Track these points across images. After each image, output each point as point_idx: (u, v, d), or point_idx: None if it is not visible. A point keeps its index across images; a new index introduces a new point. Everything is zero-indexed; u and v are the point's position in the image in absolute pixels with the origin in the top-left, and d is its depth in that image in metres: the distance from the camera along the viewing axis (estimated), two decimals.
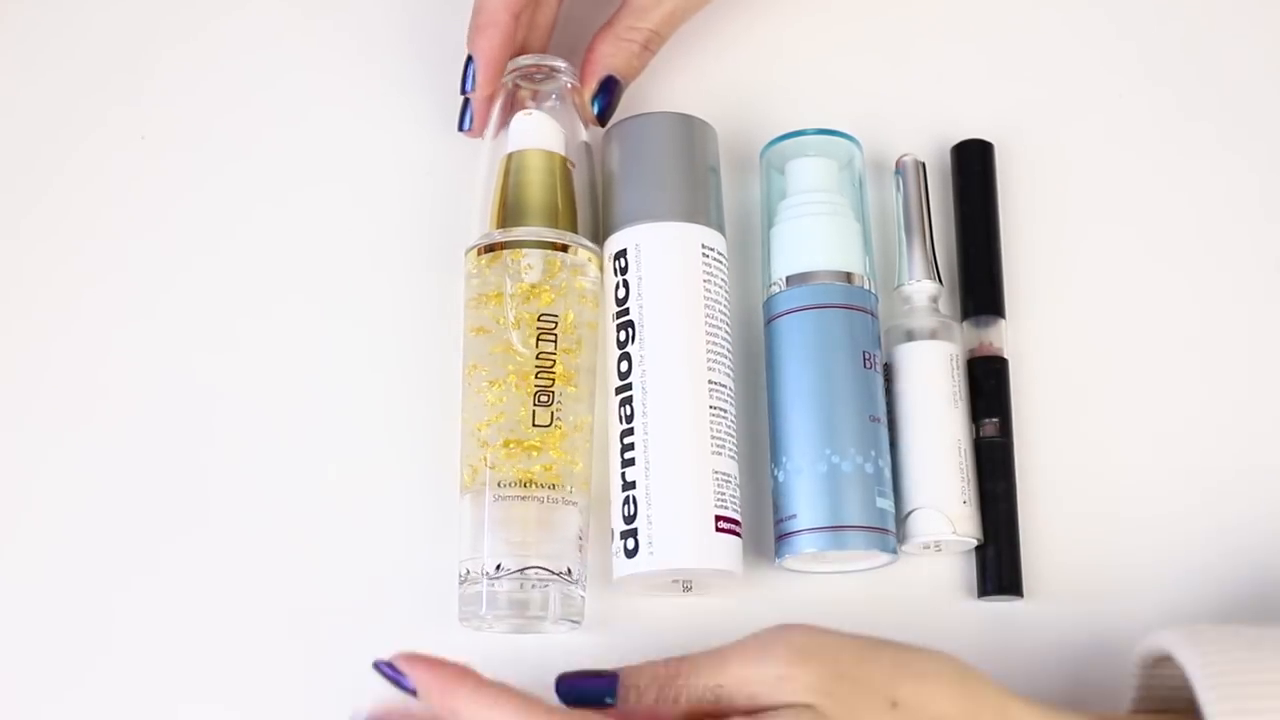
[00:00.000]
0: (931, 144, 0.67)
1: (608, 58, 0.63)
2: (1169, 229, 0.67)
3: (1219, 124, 0.68)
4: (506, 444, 0.56)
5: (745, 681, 0.48)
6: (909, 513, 0.59)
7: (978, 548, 0.60)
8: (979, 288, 0.63)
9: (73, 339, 0.63)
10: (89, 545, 0.59)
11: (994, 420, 0.61)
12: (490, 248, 0.58)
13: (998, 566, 0.59)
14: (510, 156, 0.60)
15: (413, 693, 0.49)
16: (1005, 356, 0.62)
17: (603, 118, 0.63)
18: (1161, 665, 0.52)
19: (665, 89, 0.65)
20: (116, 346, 0.63)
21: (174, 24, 0.68)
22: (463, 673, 0.48)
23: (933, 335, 0.61)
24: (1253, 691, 0.47)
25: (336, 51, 0.68)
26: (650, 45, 0.64)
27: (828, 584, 0.60)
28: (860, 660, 0.49)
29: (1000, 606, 0.60)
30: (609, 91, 0.63)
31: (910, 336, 0.61)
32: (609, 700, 0.49)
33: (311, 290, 0.64)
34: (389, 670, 0.49)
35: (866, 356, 0.58)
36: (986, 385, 0.61)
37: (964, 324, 0.63)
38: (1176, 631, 0.50)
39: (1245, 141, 0.68)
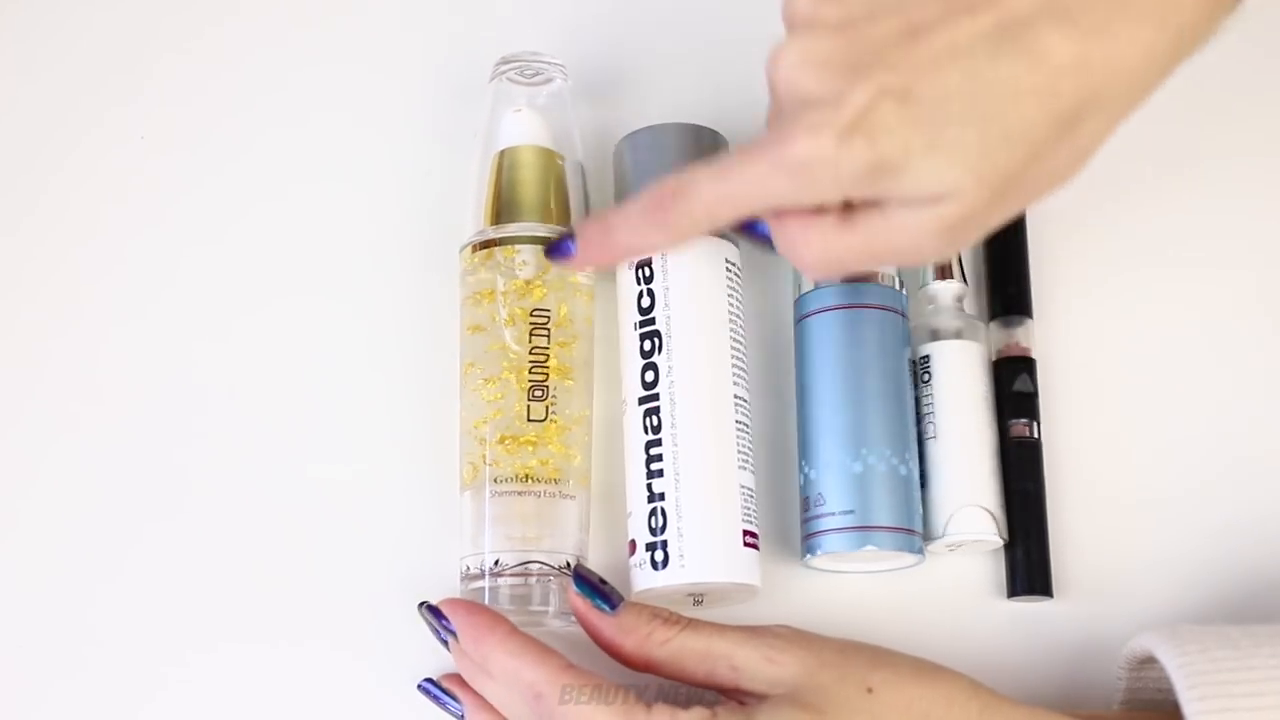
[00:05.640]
0: None
1: None
2: (1197, 226, 0.66)
3: (1251, 120, 0.67)
4: (503, 440, 0.56)
5: (733, 654, 0.51)
6: (938, 513, 0.58)
7: (1007, 548, 0.59)
8: (1007, 288, 0.63)
9: (72, 337, 0.64)
10: (84, 542, 0.60)
11: (1023, 420, 0.60)
12: (484, 245, 0.59)
13: (1027, 567, 0.59)
14: (502, 153, 0.60)
15: (453, 634, 0.54)
16: (1033, 356, 0.62)
17: None
18: (1146, 666, 0.53)
19: (670, 91, 0.66)
20: (115, 345, 0.63)
21: (173, 24, 0.69)
22: (495, 621, 0.53)
23: (958, 335, 0.60)
24: (1233, 690, 0.47)
25: (335, 52, 0.68)
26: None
27: (856, 584, 0.59)
28: (841, 652, 0.51)
29: (1030, 607, 0.59)
30: None
31: (936, 336, 0.60)
32: (605, 609, 0.53)
33: (311, 290, 0.64)
34: (434, 613, 0.55)
35: (897, 356, 0.59)
36: (1015, 385, 0.61)
37: (992, 324, 0.63)
38: (1159, 632, 0.51)
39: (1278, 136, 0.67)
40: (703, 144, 0.60)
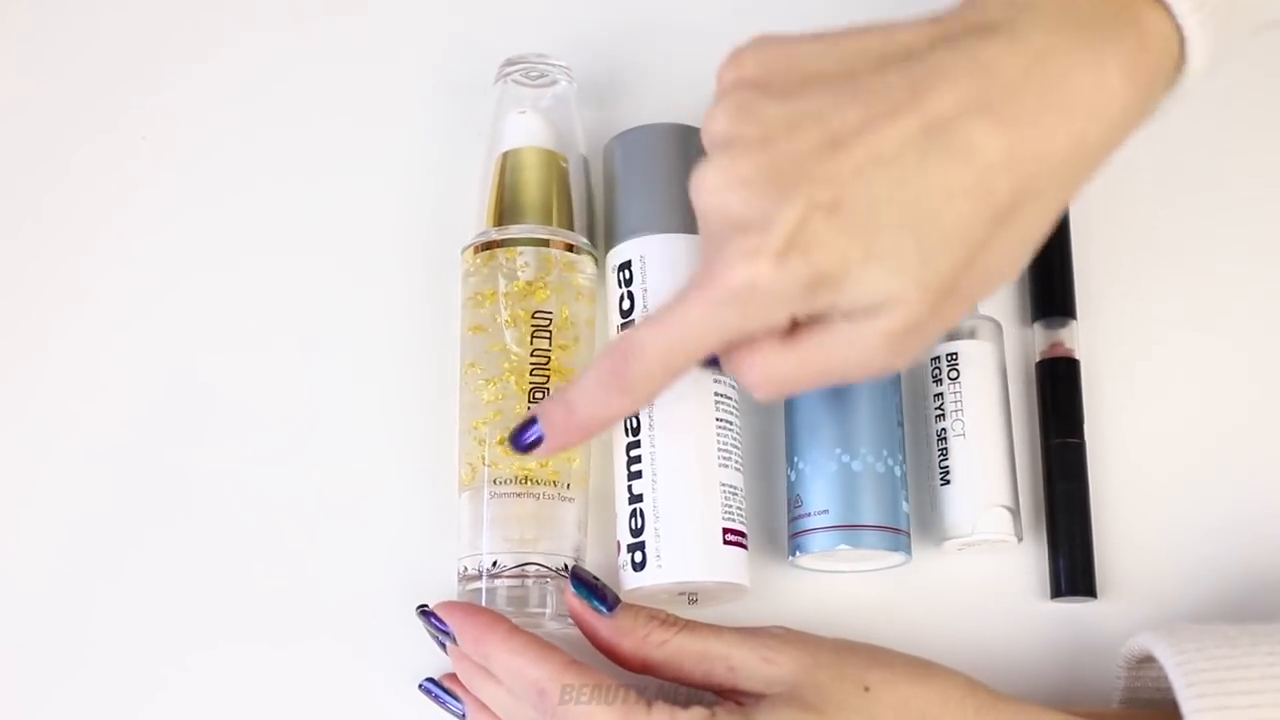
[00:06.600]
0: None
1: None
2: (1242, 227, 0.65)
3: None
4: (502, 441, 0.56)
5: (730, 655, 0.51)
6: (964, 511, 0.58)
7: (1050, 548, 0.60)
8: (1049, 289, 0.63)
9: (72, 338, 0.64)
10: (84, 542, 0.61)
11: (1066, 422, 0.61)
12: (486, 246, 0.59)
13: (1071, 568, 0.59)
14: (505, 155, 0.60)
15: (451, 638, 0.54)
16: (1077, 358, 0.62)
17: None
18: (1144, 665, 0.53)
19: (659, 92, 0.66)
20: (115, 345, 0.64)
21: (175, 27, 0.69)
22: (495, 620, 0.53)
23: (971, 335, 0.60)
24: (1231, 688, 0.47)
25: (338, 53, 0.69)
26: None
27: (882, 584, 0.60)
28: (836, 651, 0.51)
29: (1073, 607, 0.60)
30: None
31: (951, 336, 0.60)
32: (602, 610, 0.53)
33: (312, 290, 0.64)
34: (431, 616, 0.55)
35: None
36: (1058, 387, 0.61)
37: (1035, 325, 0.63)
38: (1157, 631, 0.51)
39: None
40: (691, 143, 0.60)
